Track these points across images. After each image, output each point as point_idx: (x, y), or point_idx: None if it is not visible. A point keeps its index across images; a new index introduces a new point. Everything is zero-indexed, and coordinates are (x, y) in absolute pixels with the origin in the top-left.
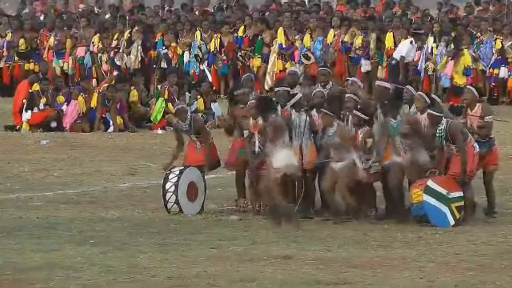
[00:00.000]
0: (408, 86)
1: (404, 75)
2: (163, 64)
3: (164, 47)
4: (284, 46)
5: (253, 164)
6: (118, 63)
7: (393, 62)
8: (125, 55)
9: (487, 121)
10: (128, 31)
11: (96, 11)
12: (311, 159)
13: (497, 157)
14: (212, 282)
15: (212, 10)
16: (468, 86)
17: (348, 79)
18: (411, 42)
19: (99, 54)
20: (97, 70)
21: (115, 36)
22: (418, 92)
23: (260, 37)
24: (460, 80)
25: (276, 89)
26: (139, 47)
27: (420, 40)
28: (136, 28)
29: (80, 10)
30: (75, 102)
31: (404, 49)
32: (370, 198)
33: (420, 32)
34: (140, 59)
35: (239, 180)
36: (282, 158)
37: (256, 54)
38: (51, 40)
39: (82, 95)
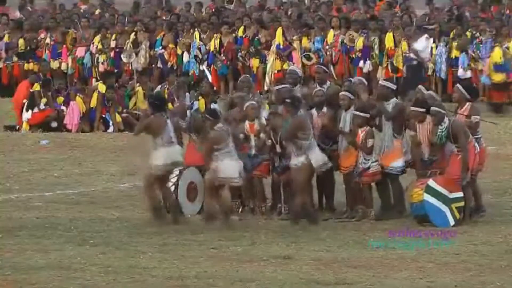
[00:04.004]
0: (420, 86)
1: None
2: (159, 64)
3: (161, 47)
4: (281, 46)
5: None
6: (125, 60)
7: (414, 62)
8: (134, 53)
9: (472, 121)
10: (134, 32)
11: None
12: None
13: (482, 158)
14: (212, 283)
15: (213, 11)
16: (457, 85)
17: (350, 79)
18: (426, 38)
19: (97, 55)
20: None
21: (113, 37)
22: (429, 91)
23: (257, 37)
24: (496, 77)
25: (278, 87)
26: (147, 48)
27: (432, 36)
28: (139, 28)
29: (82, 10)
30: (75, 103)
31: (421, 45)
32: (368, 199)
33: (430, 28)
34: (148, 60)
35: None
36: (225, 168)
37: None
38: (48, 41)
39: (79, 96)
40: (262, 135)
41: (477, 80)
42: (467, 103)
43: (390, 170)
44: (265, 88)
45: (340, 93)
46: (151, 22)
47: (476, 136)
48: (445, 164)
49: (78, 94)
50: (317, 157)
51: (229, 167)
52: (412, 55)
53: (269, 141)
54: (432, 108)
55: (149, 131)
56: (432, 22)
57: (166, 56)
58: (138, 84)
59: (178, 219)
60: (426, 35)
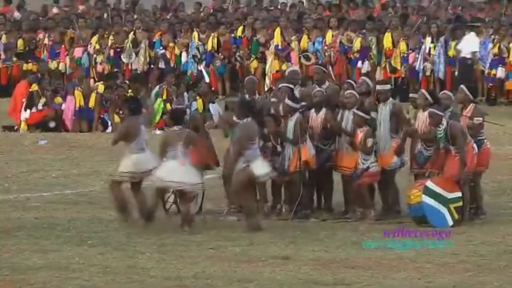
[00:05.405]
0: (422, 90)
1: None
2: (161, 65)
3: (161, 47)
4: (280, 47)
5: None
6: (125, 60)
7: (469, 62)
8: (133, 53)
9: (474, 123)
10: (132, 31)
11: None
12: (304, 160)
13: (486, 159)
14: (210, 283)
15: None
16: (462, 86)
17: (349, 81)
18: (475, 36)
19: (94, 55)
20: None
21: (111, 37)
22: (421, 90)
23: (255, 38)
24: None
25: (280, 85)
26: (147, 47)
27: (478, 33)
28: (141, 28)
29: (79, 11)
30: (71, 98)
31: (475, 44)
32: (367, 199)
33: (477, 24)
34: (148, 60)
35: (227, 182)
36: (167, 171)
37: (251, 55)
38: (46, 41)
39: (78, 89)
40: None
41: (476, 80)
42: (471, 104)
43: (390, 167)
44: (265, 88)
45: (347, 92)
46: (151, 22)
47: (480, 137)
48: (440, 164)
49: (76, 87)
50: (258, 167)
51: (169, 169)
52: (466, 55)
53: (269, 143)
54: (430, 110)
55: (125, 137)
56: (476, 20)
57: (168, 55)
58: (130, 91)
59: (150, 224)
60: (473, 33)
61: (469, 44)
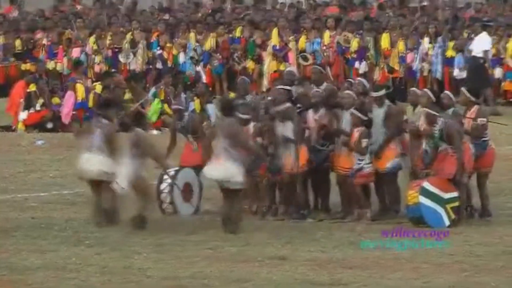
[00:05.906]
0: (423, 90)
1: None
2: (159, 65)
3: (159, 48)
4: (278, 47)
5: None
6: (122, 60)
7: (481, 61)
8: (131, 53)
9: (478, 123)
10: (130, 32)
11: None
12: (303, 162)
13: (491, 160)
14: (207, 283)
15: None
16: (462, 88)
17: (350, 80)
18: (486, 35)
19: (92, 56)
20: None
21: (109, 36)
22: (424, 89)
23: (251, 38)
24: None
25: (277, 86)
26: (145, 48)
27: (490, 32)
28: (138, 29)
29: (77, 9)
30: (70, 93)
31: (487, 43)
32: (362, 199)
33: (491, 24)
34: (146, 61)
35: None
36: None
37: (248, 56)
38: (44, 41)
39: (79, 82)
40: (258, 138)
41: None
42: (475, 106)
43: (386, 170)
44: (264, 89)
45: (344, 92)
46: (149, 22)
47: (485, 139)
48: (440, 164)
49: (77, 81)
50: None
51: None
52: (477, 54)
53: (263, 142)
54: (425, 110)
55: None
56: (488, 18)
57: (165, 56)
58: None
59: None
60: (484, 32)
61: (480, 43)
